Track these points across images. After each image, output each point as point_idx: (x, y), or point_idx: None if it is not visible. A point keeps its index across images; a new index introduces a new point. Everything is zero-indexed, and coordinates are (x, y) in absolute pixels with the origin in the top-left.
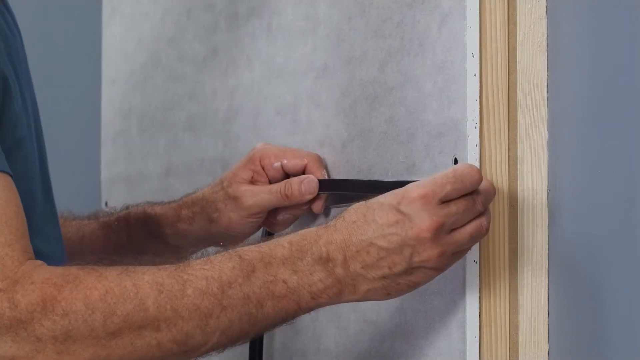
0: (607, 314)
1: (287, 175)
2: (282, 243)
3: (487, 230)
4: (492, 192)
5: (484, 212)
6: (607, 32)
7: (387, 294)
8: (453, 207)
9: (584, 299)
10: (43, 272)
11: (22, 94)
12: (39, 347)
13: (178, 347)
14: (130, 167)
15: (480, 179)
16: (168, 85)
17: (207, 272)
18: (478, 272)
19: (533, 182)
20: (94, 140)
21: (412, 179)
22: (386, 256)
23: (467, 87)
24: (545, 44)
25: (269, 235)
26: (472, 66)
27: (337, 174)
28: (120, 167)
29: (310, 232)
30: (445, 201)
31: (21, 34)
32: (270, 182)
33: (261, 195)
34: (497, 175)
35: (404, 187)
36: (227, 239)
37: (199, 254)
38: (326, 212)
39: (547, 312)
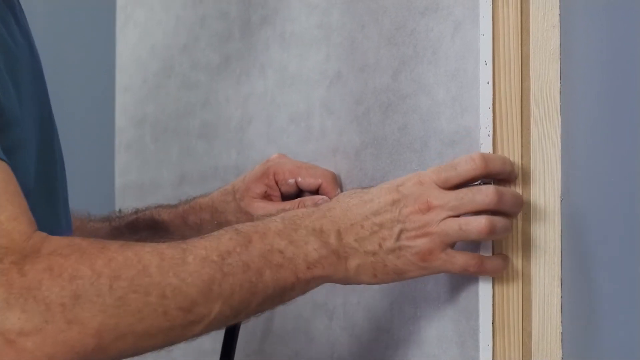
0: (621, 322)
1: (300, 191)
2: (275, 219)
3: (488, 231)
4: (508, 195)
5: (495, 212)
6: (620, 40)
7: (374, 276)
8: (451, 194)
9: (598, 307)
10: (49, 244)
11: (21, 107)
12: (47, 317)
13: (184, 315)
14: (144, 175)
15: (478, 167)
16: (181, 93)
17: (205, 243)
18: (491, 280)
19: (546, 189)
20: (107, 148)
21: None
22: (378, 231)
23: (481, 94)
24: (559, 52)
25: None
26: (486, 74)
27: (350, 182)
28: (134, 175)
29: (301, 210)
30: (447, 188)
31: (32, 43)
32: (283, 196)
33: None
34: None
35: (410, 174)
36: None
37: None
38: None
39: (561, 320)
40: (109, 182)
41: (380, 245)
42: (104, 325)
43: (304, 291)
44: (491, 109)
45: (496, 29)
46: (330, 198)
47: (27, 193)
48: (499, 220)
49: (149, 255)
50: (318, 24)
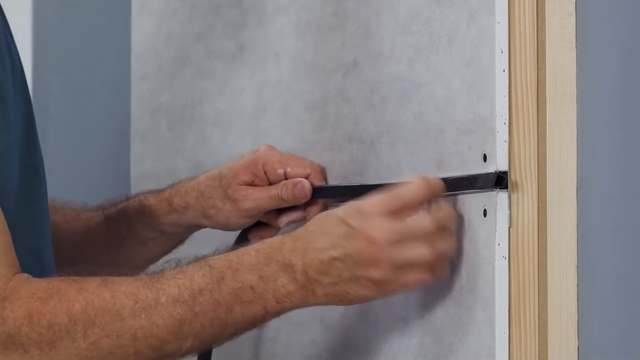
0: (638, 310)
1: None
2: (250, 252)
3: (428, 259)
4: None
5: (436, 238)
6: (636, 28)
7: (341, 301)
8: (396, 225)
9: (614, 295)
10: (29, 287)
11: (5, 116)
12: (26, 359)
13: (154, 354)
14: (159, 163)
15: (422, 194)
16: (197, 81)
17: (179, 281)
18: (507, 268)
19: (562, 178)
20: (123, 137)
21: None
22: (335, 264)
23: (496, 83)
24: (574, 40)
25: (245, 240)
26: (501, 62)
27: (366, 170)
28: (149, 163)
29: (275, 240)
30: (393, 215)
31: (15, 53)
32: (270, 184)
33: (261, 199)
34: (526, 170)
35: (356, 202)
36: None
37: (173, 264)
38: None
39: (577, 309)
40: (125, 171)
41: (339, 276)
42: None
43: (277, 317)
44: (507, 97)
45: (512, 16)
46: (309, 183)
47: (13, 196)
48: (439, 244)
49: (124, 297)
50: (333, 12)
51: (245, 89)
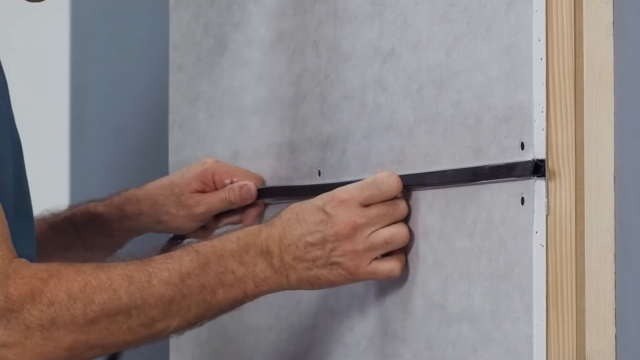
0: None
1: None
2: (231, 238)
3: (406, 239)
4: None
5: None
6: None
7: (311, 285)
8: (372, 211)
9: None
10: (30, 268)
11: None
12: (27, 334)
13: (145, 331)
14: (198, 152)
15: (398, 186)
16: (235, 70)
17: (169, 265)
18: (545, 256)
19: (599, 165)
20: (161, 125)
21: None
22: (311, 250)
23: (534, 71)
24: (612, 28)
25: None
26: (539, 50)
27: (404, 159)
28: (188, 152)
29: (253, 229)
30: (367, 205)
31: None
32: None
33: (211, 203)
34: (563, 158)
35: (332, 191)
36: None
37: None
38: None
39: (614, 296)
40: (163, 159)
41: (313, 261)
42: (76, 341)
43: (253, 300)
44: (544, 85)
45: (549, 5)
46: (254, 185)
47: (7, 210)
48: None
49: (119, 279)
50: (371, 1)
51: (283, 77)
